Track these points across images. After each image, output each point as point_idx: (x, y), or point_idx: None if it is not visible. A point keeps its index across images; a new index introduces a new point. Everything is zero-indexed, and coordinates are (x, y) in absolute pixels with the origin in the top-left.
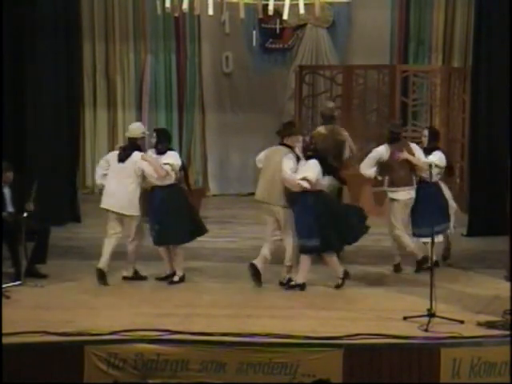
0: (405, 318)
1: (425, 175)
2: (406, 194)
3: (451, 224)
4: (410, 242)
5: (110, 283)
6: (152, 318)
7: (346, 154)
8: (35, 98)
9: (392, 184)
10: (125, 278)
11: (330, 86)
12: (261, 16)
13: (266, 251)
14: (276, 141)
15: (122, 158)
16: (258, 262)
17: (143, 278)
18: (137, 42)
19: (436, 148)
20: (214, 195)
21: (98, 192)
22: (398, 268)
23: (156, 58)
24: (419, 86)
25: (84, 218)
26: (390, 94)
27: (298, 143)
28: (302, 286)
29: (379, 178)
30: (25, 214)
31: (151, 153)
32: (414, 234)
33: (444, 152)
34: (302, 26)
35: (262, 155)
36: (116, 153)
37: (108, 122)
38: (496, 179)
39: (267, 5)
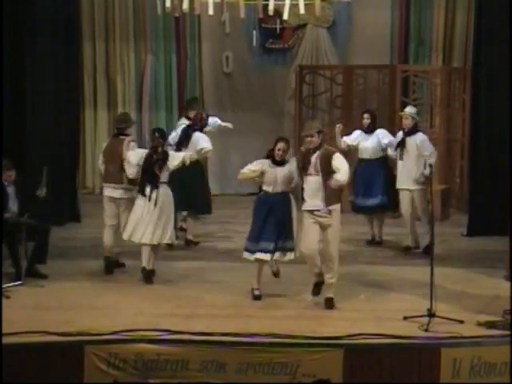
0: (405, 318)
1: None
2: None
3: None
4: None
5: (110, 283)
6: (152, 317)
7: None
8: (35, 97)
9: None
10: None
11: (330, 86)
12: (261, 16)
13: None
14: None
15: None
16: None
17: None
18: (137, 42)
19: (376, 128)
20: (214, 195)
21: (98, 192)
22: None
23: (156, 57)
24: (419, 85)
25: (84, 218)
26: (390, 93)
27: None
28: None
29: None
30: (42, 195)
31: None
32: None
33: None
34: (302, 26)
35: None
36: None
37: (108, 122)
38: (496, 179)
39: (267, 5)
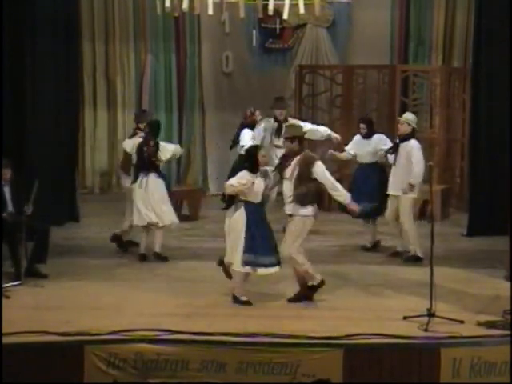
0: (405, 318)
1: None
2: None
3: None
4: None
5: (110, 283)
6: (152, 318)
7: None
8: (35, 97)
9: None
10: None
11: (330, 86)
12: (261, 16)
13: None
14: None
15: None
16: None
17: None
18: (137, 42)
19: (375, 133)
20: (214, 195)
21: (97, 192)
22: None
23: (156, 58)
24: (419, 85)
25: (83, 218)
26: (390, 93)
27: None
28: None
29: None
30: (27, 212)
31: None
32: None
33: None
34: (301, 26)
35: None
36: None
37: (108, 122)
38: (496, 179)
39: (267, 5)
